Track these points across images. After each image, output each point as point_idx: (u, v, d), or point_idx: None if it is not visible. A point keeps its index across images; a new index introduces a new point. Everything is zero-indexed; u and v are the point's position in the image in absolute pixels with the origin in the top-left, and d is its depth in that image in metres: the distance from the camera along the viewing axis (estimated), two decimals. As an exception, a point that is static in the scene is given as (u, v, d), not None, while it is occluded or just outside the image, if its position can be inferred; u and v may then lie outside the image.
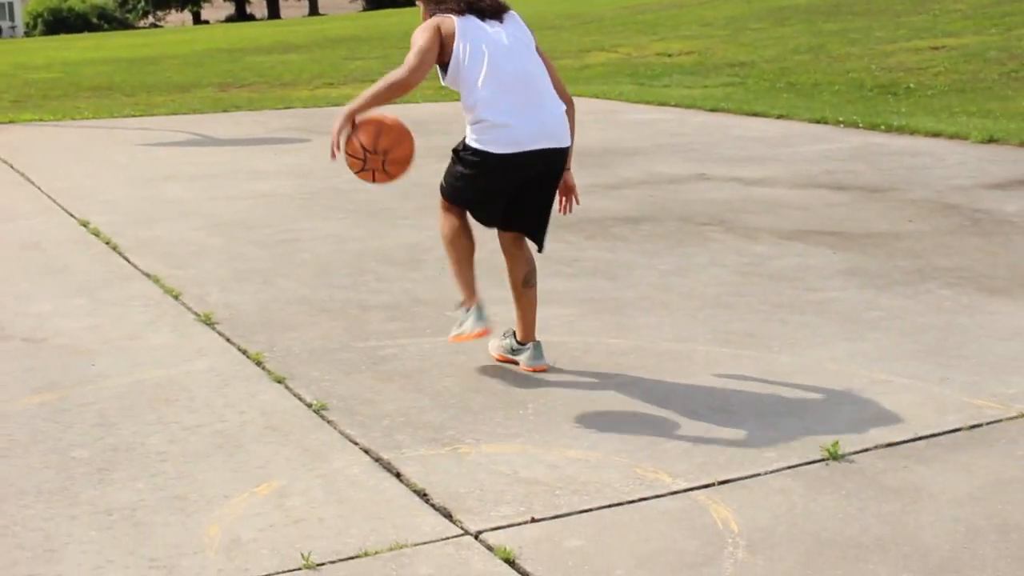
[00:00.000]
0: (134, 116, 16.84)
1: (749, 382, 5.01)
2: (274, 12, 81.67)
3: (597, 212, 8.72)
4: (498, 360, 5.30)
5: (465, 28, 4.87)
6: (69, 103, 19.35)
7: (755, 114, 15.40)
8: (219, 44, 35.06)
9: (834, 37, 24.72)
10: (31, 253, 7.66)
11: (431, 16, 4.96)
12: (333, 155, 4.80)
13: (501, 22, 4.97)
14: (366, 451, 4.29)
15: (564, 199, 5.24)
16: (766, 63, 22.32)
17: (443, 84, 4.97)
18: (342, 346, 5.56)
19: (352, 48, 29.94)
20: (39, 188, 10.17)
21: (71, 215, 8.89)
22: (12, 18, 76.94)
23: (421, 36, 4.84)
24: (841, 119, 14.29)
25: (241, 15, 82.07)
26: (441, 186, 5.11)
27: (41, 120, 16.48)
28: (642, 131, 14.03)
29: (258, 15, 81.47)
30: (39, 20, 73.14)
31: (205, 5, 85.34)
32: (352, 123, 4.78)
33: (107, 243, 7.86)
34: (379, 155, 4.80)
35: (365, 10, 77.67)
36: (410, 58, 4.79)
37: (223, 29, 52.82)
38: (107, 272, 7.11)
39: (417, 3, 5.10)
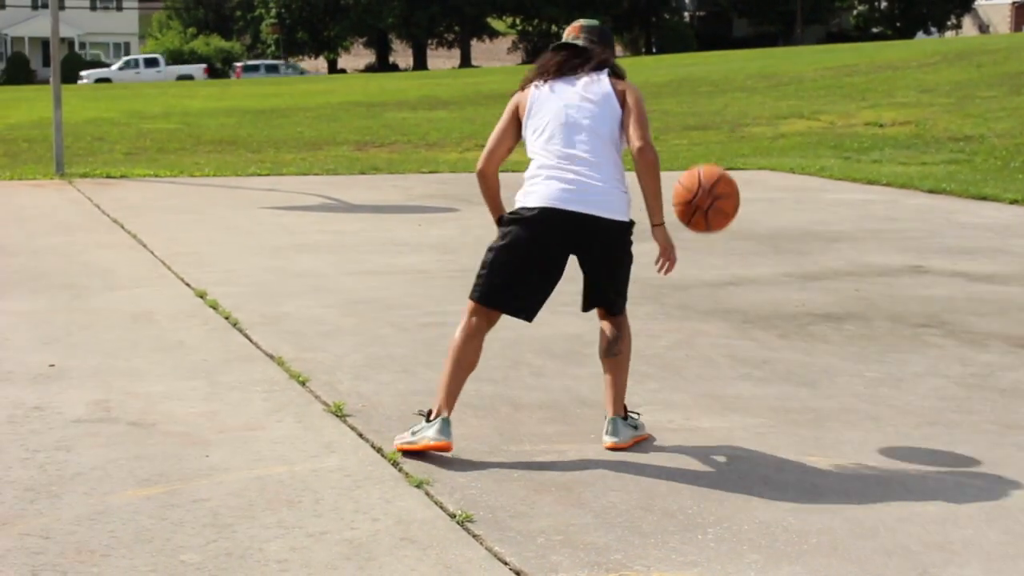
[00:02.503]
0: (260, 175, 17.36)
1: (974, 516, 4.90)
2: (420, 62, 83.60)
3: (792, 306, 8.66)
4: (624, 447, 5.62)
5: (535, 97, 5.63)
6: (188, 158, 20.04)
7: (984, 198, 15.18)
8: (357, 97, 35.94)
9: (1081, 109, 24.30)
10: (142, 326, 7.91)
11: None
12: None
13: (575, 79, 5.59)
14: (517, 573, 4.30)
15: (659, 261, 5.64)
16: (998, 138, 22.00)
17: None
18: (491, 449, 5.60)
19: (509, 106, 30.32)
20: (152, 252, 10.52)
21: (188, 285, 9.17)
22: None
23: (500, 120, 5.79)
24: (1090, 207, 14.01)
25: (383, 64, 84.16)
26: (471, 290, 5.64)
27: (156, 176, 17.09)
28: (847, 213, 13.93)
29: (402, 65, 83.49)
30: (158, 64, 75.88)
31: (343, 52, 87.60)
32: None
33: (227, 318, 8.07)
34: (711, 196, 5.58)
35: (524, 63, 78.91)
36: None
37: (362, 80, 54.15)
38: (226, 351, 7.30)
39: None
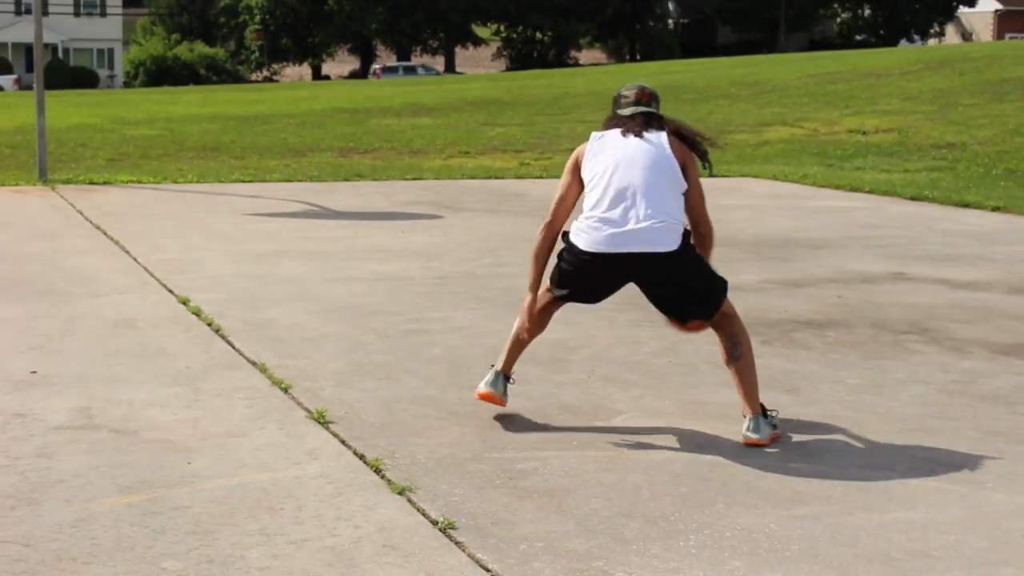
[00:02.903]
0: (243, 181, 17.35)
1: (955, 522, 4.91)
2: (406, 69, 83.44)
3: (775, 313, 8.68)
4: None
5: (597, 147, 5.97)
6: (171, 164, 20.01)
7: (966, 205, 15.24)
8: (341, 103, 35.92)
9: (1063, 117, 24.38)
10: (124, 332, 7.89)
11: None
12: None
13: (640, 137, 5.92)
14: (499, 580, 4.30)
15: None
16: (980, 145, 22.08)
17: None
18: (474, 456, 5.60)
19: (493, 113, 30.44)
20: (135, 259, 10.51)
21: (170, 291, 9.15)
22: (112, 66, 79.94)
23: (562, 179, 6.10)
24: (1071, 214, 14.05)
25: (367, 71, 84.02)
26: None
27: (139, 182, 17.07)
28: (830, 220, 13.95)
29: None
30: (141, 69, 75.88)
31: (327, 59, 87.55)
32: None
33: (209, 325, 8.06)
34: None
35: (508, 70, 78.99)
36: (549, 205, 6.09)
37: (346, 86, 54.11)
38: (208, 358, 7.29)
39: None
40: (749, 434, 5.81)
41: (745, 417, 5.88)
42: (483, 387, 6.13)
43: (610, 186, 5.81)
